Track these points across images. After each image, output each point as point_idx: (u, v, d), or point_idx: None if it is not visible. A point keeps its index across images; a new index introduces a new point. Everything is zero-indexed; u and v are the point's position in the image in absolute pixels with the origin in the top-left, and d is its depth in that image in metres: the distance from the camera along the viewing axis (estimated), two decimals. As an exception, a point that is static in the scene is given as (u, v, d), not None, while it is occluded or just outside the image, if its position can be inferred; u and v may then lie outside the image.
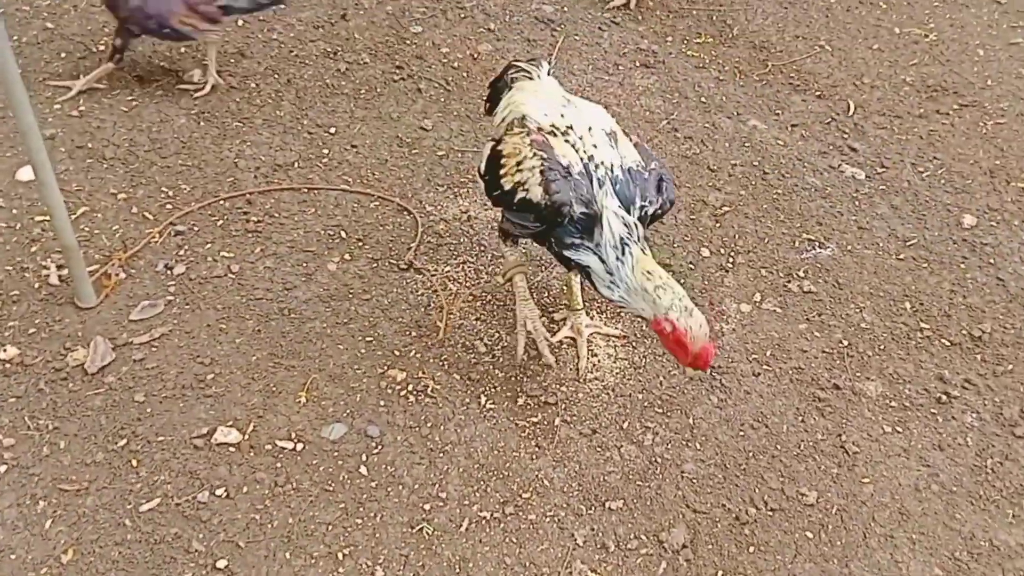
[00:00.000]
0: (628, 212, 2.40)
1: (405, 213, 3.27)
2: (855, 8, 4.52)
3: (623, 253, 2.35)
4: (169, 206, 3.21)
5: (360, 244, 3.14)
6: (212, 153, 3.42)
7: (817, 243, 3.31)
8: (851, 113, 3.91)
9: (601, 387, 2.78)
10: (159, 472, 2.45)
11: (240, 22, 3.96)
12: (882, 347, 3.00)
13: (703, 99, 3.89)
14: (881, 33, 4.38)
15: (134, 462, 2.47)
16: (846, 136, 3.80)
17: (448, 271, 3.08)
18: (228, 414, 2.59)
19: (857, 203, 3.50)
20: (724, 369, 2.86)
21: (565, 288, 2.93)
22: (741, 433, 2.71)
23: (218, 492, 2.43)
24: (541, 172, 2.41)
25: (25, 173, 3.24)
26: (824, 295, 3.14)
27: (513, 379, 2.77)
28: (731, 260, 3.22)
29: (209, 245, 3.09)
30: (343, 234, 3.18)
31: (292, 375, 2.72)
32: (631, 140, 2.58)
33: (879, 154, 3.72)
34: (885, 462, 2.68)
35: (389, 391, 2.70)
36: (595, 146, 2.48)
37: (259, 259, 3.06)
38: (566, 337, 2.87)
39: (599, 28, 4.20)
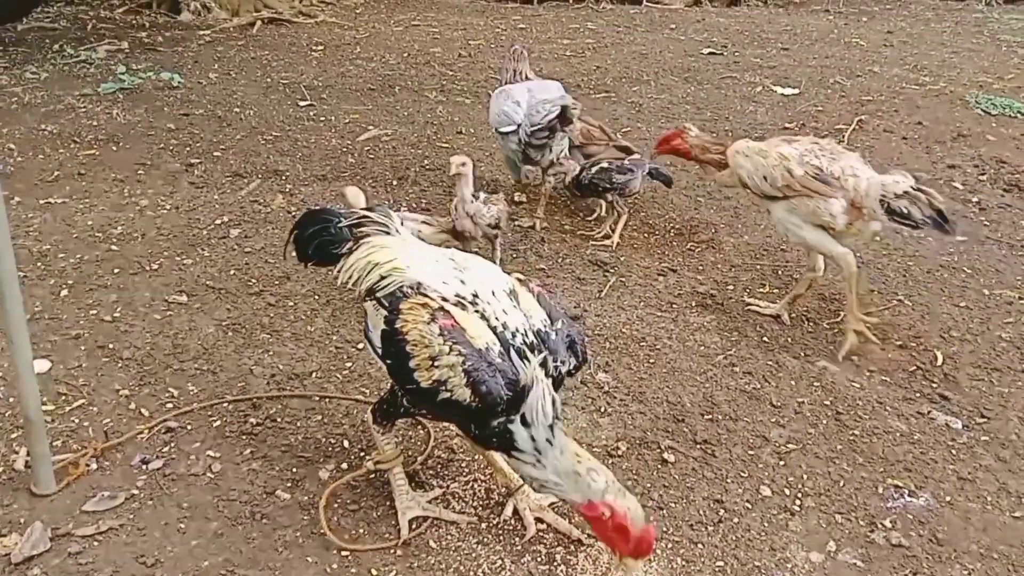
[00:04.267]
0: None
1: (419, 428, 2.92)
2: (936, 271, 4.24)
3: (552, 434, 2.18)
4: (170, 405, 2.98)
5: (362, 455, 2.77)
6: (231, 360, 3.25)
7: (907, 491, 2.74)
8: (939, 364, 3.47)
9: (624, 634, 2.19)
10: None
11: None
12: (1001, 619, 2.32)
13: (765, 339, 3.55)
14: (968, 293, 4.04)
15: (19, 670, 1.99)
16: (935, 385, 3.33)
17: (455, 488, 2.65)
18: (153, 623, 2.12)
19: (954, 452, 2.95)
20: (787, 626, 2.23)
21: (492, 471, 2.63)
22: None
23: None
24: (465, 373, 2.16)
25: (38, 365, 3.12)
26: (919, 550, 2.52)
27: (513, 614, 2.22)
28: (798, 502, 2.68)
29: (197, 444, 2.79)
30: (345, 443, 2.83)
31: (244, 586, 2.26)
32: (531, 291, 2.40)
33: (977, 405, 3.22)
34: None
35: (355, 614, 2.18)
36: (504, 312, 2.29)
37: (246, 461, 2.72)
38: (535, 516, 2.53)
39: (656, 274, 4.03)
